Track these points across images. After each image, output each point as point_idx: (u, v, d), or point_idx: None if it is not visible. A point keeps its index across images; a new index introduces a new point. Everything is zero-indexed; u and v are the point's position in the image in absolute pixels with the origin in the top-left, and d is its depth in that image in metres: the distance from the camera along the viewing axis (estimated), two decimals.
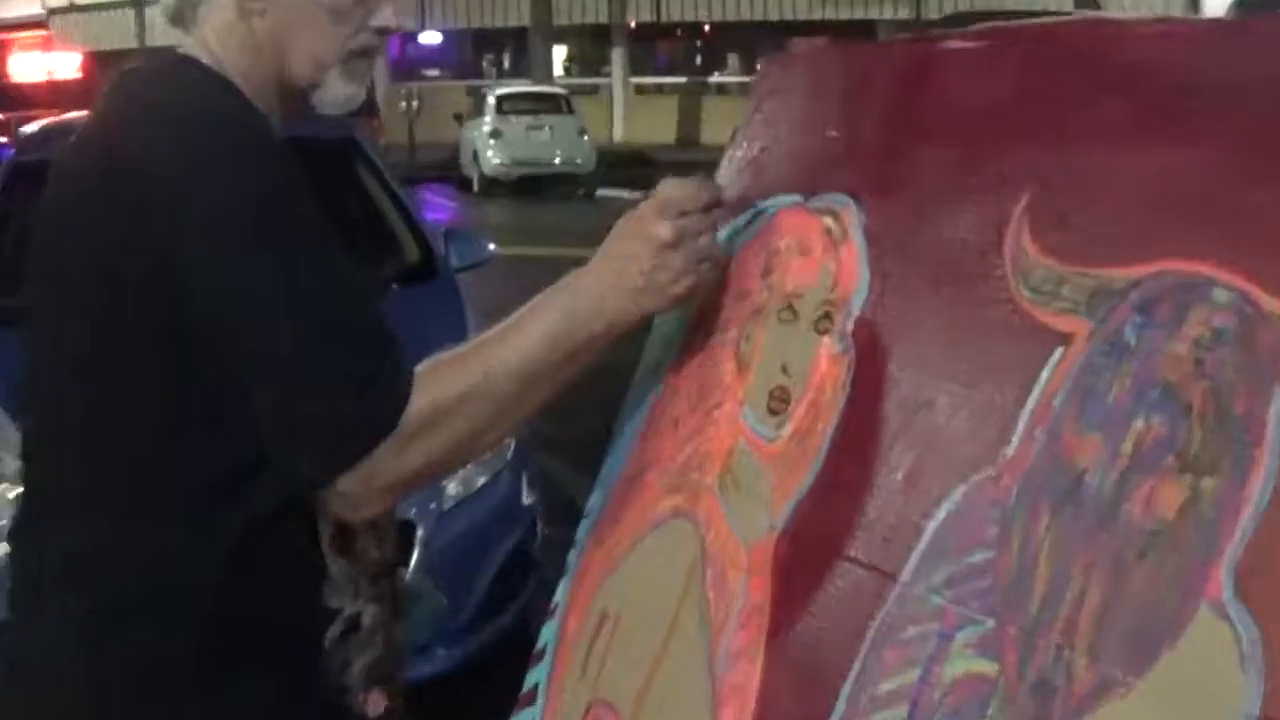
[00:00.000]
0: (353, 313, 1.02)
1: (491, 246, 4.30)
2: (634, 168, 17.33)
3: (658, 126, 22.07)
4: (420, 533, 2.94)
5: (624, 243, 1.06)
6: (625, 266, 1.05)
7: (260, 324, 1.00)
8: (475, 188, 17.20)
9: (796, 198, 1.14)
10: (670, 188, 1.07)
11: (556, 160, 17.26)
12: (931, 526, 0.90)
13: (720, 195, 1.10)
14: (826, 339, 1.05)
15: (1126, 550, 0.77)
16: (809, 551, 0.99)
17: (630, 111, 23.48)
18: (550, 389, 1.07)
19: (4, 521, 1.55)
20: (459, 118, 19.00)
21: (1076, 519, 0.81)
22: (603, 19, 23.21)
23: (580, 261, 1.09)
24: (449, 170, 18.03)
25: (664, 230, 1.05)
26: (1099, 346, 0.84)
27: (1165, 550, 0.76)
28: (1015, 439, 0.87)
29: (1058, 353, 0.86)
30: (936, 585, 0.88)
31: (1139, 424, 0.79)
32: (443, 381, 1.03)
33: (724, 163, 1.25)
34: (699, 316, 1.18)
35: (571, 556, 1.24)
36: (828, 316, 1.05)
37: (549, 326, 1.05)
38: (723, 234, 1.15)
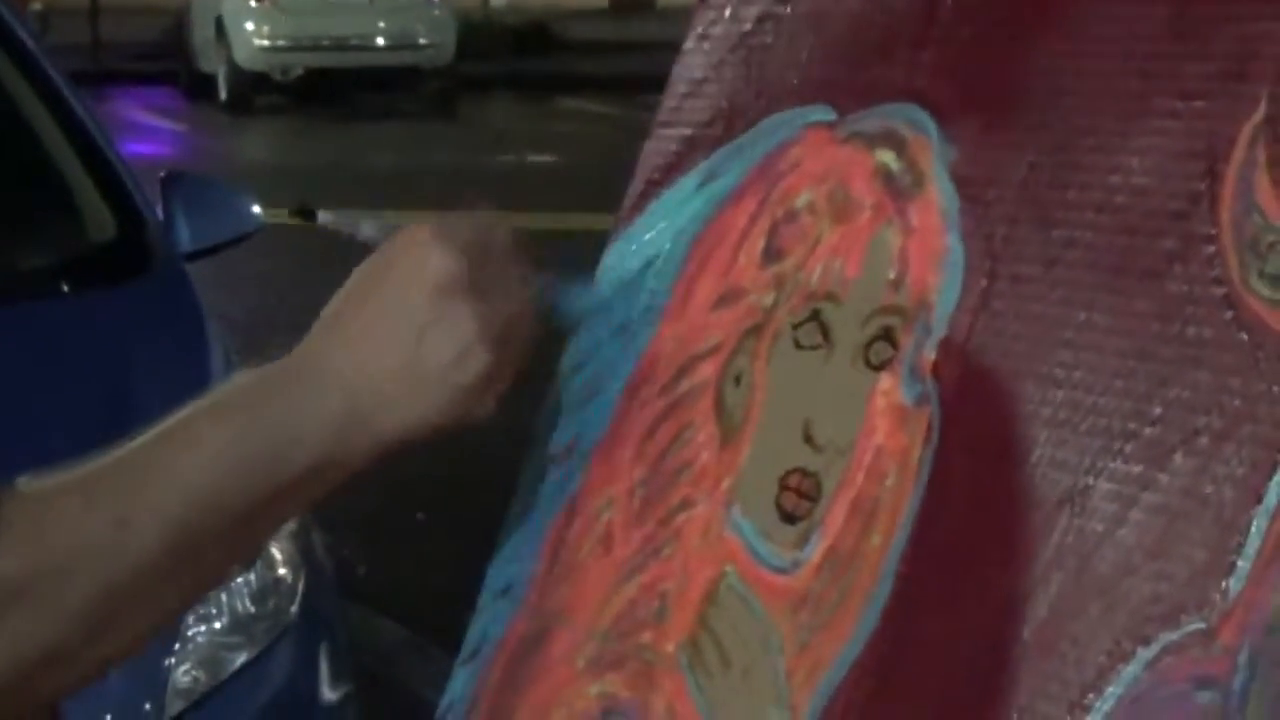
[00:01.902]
0: None
1: (256, 209, 4.30)
2: (529, 54, 17.24)
3: None
4: None
5: (374, 294, 1.10)
6: (372, 337, 1.08)
7: None
8: (223, 94, 17.19)
9: (824, 112, 1.15)
10: (450, 217, 1.11)
11: (379, 40, 17.23)
12: None
13: (530, 247, 1.11)
14: (886, 379, 1.06)
15: None
16: None
17: None
18: (196, 583, 1.07)
19: None
20: None
21: None
22: None
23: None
24: (168, 61, 18.00)
25: (448, 262, 1.08)
26: None
27: None
28: (1244, 562, 0.87)
29: None
30: None
31: None
32: (26, 540, 0.99)
33: (688, 45, 1.25)
34: (647, 339, 1.18)
35: None
36: (888, 338, 1.06)
37: (223, 453, 1.04)
38: (680, 187, 1.15)
